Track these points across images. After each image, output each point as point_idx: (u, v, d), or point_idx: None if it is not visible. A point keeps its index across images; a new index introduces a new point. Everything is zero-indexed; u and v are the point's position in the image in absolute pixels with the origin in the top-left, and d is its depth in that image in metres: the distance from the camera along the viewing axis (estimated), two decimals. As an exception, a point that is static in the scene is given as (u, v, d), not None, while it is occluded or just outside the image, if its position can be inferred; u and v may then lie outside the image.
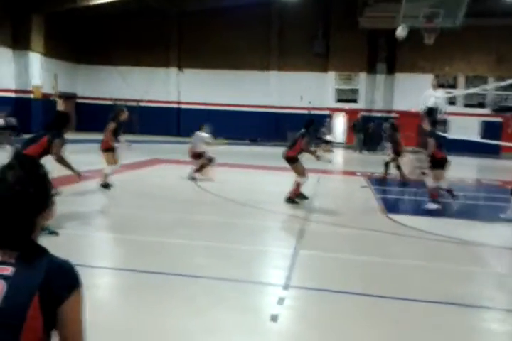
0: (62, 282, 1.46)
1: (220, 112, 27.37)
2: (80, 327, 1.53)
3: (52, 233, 5.24)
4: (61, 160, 5.83)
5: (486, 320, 3.79)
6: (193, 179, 10.42)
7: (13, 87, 23.49)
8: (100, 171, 9.01)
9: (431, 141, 7.79)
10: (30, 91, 23.74)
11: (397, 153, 11.44)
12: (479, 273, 5.03)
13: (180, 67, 28.57)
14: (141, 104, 27.54)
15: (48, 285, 1.42)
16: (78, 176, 6.16)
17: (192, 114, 27.81)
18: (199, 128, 10.99)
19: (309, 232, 6.20)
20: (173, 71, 28.67)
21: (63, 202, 5.22)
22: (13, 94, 23.40)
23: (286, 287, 4.12)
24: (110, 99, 27.65)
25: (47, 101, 25.72)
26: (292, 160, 8.24)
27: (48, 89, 25.77)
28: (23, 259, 1.45)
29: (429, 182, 7.92)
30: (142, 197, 8.26)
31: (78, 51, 28.73)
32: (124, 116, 8.90)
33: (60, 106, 26.39)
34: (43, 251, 1.51)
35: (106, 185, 8.56)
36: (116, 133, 8.72)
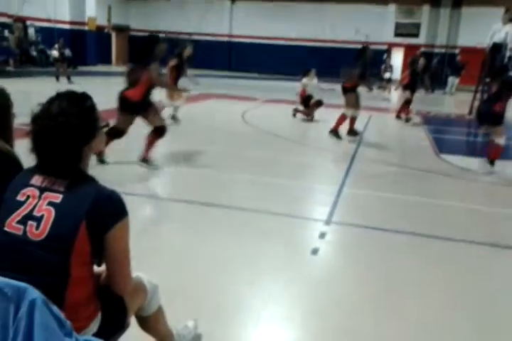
0: (108, 210, 1.52)
1: (271, 46, 26.69)
2: (125, 253, 1.61)
3: (103, 162, 5.46)
4: (169, 86, 5.96)
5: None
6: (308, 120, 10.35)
7: (67, 18, 23.59)
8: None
9: None
10: (84, 23, 23.80)
11: None
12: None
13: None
14: (194, 37, 27.18)
15: (95, 213, 1.49)
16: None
17: (244, 48, 27.29)
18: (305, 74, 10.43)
19: (356, 170, 6.16)
20: (226, 3, 27.86)
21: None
22: (67, 26, 23.55)
23: (328, 222, 4.17)
24: (163, 32, 27.40)
25: (101, 33, 25.81)
26: (345, 89, 8.12)
27: (102, 21, 25.77)
28: (72, 187, 1.52)
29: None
30: (196, 131, 8.35)
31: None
32: (189, 52, 8.76)
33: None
34: (91, 180, 1.58)
35: (174, 117, 8.85)
36: (179, 70, 8.60)
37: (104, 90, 9.64)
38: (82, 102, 1.58)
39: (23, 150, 1.61)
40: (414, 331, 2.59)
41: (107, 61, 27.18)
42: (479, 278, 3.32)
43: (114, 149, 5.51)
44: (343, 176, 5.79)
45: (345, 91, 8.15)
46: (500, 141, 6.21)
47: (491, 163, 6.33)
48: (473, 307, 2.90)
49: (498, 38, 11.57)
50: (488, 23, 17.84)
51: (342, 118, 8.15)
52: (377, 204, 4.88)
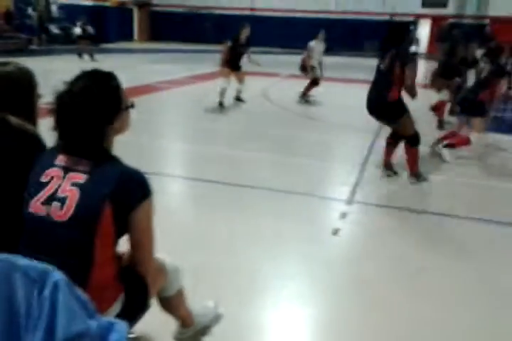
0: (133, 191, 1.52)
1: (294, 20, 26.13)
2: (149, 233, 1.62)
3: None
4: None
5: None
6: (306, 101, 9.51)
7: (88, -6, 23.50)
8: (172, 82, 9.01)
9: None
10: (106, -1, 23.70)
11: None
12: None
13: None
14: (217, 11, 26.83)
15: (120, 193, 1.49)
16: None
17: (266, 22, 26.77)
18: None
19: (378, 149, 6.07)
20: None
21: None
22: (89, 2, 23.45)
23: (350, 202, 4.16)
24: (186, 6, 27.09)
25: (123, 8, 25.62)
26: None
27: (123, -4, 25.56)
28: (96, 168, 1.52)
29: None
30: (214, 110, 8.32)
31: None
32: (246, 32, 8.40)
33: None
34: (115, 161, 1.58)
35: (239, 98, 8.85)
36: (236, 52, 8.34)
37: (130, 68, 9.66)
38: (106, 81, 1.58)
39: (47, 130, 1.61)
40: (434, 312, 2.59)
41: (129, 37, 27.07)
42: (493, 255, 3.30)
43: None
44: (365, 154, 5.74)
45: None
46: (474, 136, 5.44)
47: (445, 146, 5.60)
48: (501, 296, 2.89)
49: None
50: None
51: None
52: (398, 184, 4.82)
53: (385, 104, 4.48)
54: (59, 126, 1.54)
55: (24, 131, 1.82)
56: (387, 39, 4.59)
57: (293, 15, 26.24)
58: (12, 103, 1.84)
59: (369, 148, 6.07)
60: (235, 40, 8.34)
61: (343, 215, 3.85)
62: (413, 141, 4.70)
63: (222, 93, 8.23)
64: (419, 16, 24.03)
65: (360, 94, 8.24)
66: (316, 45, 9.38)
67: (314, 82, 9.48)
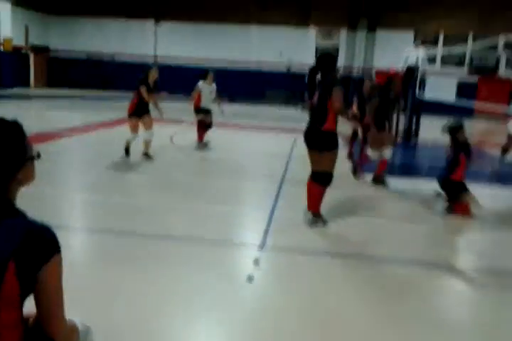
0: (40, 247, 1.43)
1: (197, 69, 26.77)
2: (58, 292, 1.51)
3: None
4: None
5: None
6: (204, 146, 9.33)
7: (-19, 39, 22.52)
8: (74, 129, 8.76)
9: None
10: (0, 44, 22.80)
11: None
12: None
13: (157, 19, 27.62)
14: (117, 58, 26.78)
15: (25, 250, 1.40)
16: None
17: (169, 70, 27.15)
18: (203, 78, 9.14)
19: (285, 193, 6.26)
20: (149, 24, 27.72)
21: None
22: (-19, 47, 22.45)
23: (261, 247, 4.19)
24: (84, 53, 26.80)
25: (18, 53, 24.76)
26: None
27: (19, 42, 24.76)
28: None
29: None
30: (121, 158, 8.12)
31: (50, 1, 27.44)
32: (155, 75, 7.83)
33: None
34: (19, 215, 1.48)
35: (148, 155, 7.95)
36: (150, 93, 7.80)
37: (27, 115, 9.24)
38: (10, 130, 1.50)
39: None
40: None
41: (25, 83, 26.06)
42: (408, 297, 3.47)
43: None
44: (273, 198, 5.87)
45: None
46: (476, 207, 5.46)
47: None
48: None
49: (410, 62, 12.35)
50: (400, 46, 18.96)
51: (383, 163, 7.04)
52: (318, 228, 4.89)
53: (320, 133, 4.66)
54: None
55: None
56: (315, 68, 4.78)
57: (195, 64, 26.89)
58: None
59: (276, 192, 6.22)
60: (145, 83, 7.72)
61: (256, 261, 3.86)
62: (325, 179, 4.75)
63: (130, 142, 7.85)
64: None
65: (262, 140, 8.61)
66: (204, 86, 9.04)
67: (203, 125, 9.20)
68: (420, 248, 4.56)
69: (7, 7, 22.95)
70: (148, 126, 7.82)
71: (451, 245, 4.82)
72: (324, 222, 4.90)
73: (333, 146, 4.68)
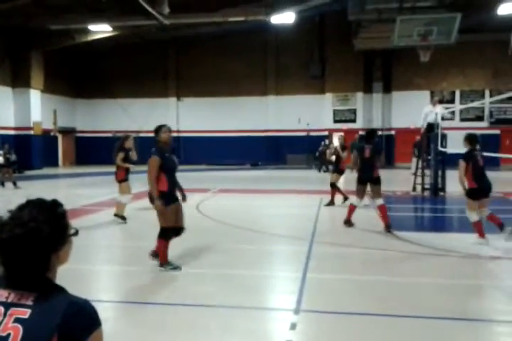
0: (81, 323, 1.43)
1: (219, 139, 27.56)
2: None
3: (176, 268, 5.33)
4: None
5: (500, 333, 3.71)
6: None
7: (12, 124, 23.71)
8: (100, 204, 8.92)
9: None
10: (30, 128, 23.94)
11: None
12: (489, 286, 4.95)
13: (179, 96, 28.91)
14: (141, 134, 27.75)
15: (67, 326, 1.39)
16: None
17: (192, 142, 27.99)
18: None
19: (315, 254, 6.12)
20: (172, 100, 28.98)
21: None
22: (13, 132, 23.59)
23: (297, 311, 4.04)
24: (110, 132, 27.90)
25: (47, 136, 25.92)
26: (379, 180, 7.77)
27: (48, 125, 26.02)
28: (40, 301, 1.42)
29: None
30: (149, 227, 8.17)
31: (76, 86, 29.19)
32: (130, 142, 8.65)
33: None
34: (60, 291, 1.49)
35: (122, 217, 8.45)
36: (126, 161, 8.56)
37: (54, 193, 9.48)
38: (53, 209, 1.54)
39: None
40: None
41: (54, 163, 27.04)
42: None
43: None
44: (304, 261, 5.74)
45: (377, 182, 7.70)
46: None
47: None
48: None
49: (430, 119, 12.51)
50: (416, 105, 19.26)
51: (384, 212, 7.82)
52: (342, 288, 4.80)
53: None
54: (3, 257, 1.44)
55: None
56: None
57: (218, 135, 27.73)
58: None
59: (307, 253, 6.09)
60: (123, 150, 8.46)
61: (293, 326, 3.70)
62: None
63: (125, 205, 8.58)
64: (332, 131, 26.18)
65: (285, 203, 8.59)
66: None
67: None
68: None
69: (37, 94, 24.34)
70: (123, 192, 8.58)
71: None
72: (177, 267, 5.30)
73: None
